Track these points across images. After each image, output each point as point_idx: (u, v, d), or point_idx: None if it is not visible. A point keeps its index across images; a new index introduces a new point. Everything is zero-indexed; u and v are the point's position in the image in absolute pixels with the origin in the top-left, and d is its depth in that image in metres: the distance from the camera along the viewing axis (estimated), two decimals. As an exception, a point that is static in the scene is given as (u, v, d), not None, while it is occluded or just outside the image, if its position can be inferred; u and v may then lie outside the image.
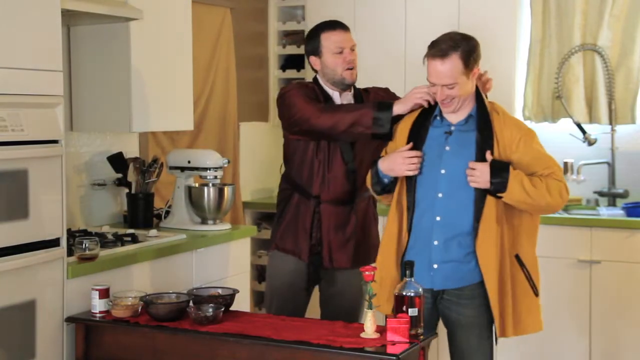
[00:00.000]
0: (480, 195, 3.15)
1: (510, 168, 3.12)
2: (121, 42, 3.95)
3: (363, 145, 3.58)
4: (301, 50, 5.56)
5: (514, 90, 5.00)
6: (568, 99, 4.92)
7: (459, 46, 3.12)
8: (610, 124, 4.86)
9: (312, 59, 3.64)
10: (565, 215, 4.72)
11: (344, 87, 3.62)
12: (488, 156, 3.13)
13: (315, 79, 3.68)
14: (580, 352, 4.55)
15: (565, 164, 4.88)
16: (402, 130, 3.33)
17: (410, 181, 3.21)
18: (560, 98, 4.88)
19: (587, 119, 4.92)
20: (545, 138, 5.07)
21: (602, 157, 4.95)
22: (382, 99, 3.61)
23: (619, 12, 4.78)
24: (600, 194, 4.95)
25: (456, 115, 3.23)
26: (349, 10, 5.35)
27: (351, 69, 3.59)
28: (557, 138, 5.10)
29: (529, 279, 3.20)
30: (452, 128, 3.23)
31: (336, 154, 3.57)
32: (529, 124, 5.09)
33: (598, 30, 4.83)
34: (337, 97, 3.63)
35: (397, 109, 3.34)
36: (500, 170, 3.11)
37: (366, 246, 3.67)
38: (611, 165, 4.93)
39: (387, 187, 3.30)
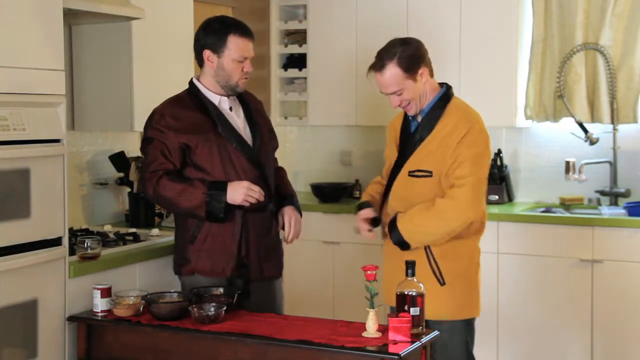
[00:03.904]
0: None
1: (398, 220, 3.30)
2: (123, 42, 3.96)
3: (265, 150, 3.50)
4: (303, 49, 5.56)
5: (515, 90, 4.99)
6: (570, 98, 4.92)
7: (395, 53, 3.26)
8: (612, 123, 4.85)
9: (208, 54, 3.39)
10: (567, 215, 4.72)
11: (232, 93, 3.45)
12: (368, 214, 3.42)
13: (192, 84, 3.46)
14: (582, 351, 4.55)
15: (567, 163, 4.87)
16: (394, 130, 3.50)
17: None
18: (562, 97, 4.87)
19: (589, 118, 4.91)
20: (547, 137, 5.15)
21: (604, 156, 4.95)
22: (259, 107, 3.60)
23: (621, 11, 4.77)
24: (602, 193, 4.95)
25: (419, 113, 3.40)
26: (351, 9, 5.35)
27: (246, 78, 3.43)
28: (559, 137, 5.10)
29: (434, 268, 3.31)
30: (415, 127, 3.39)
31: (243, 161, 3.38)
32: (531, 123, 5.10)
33: (600, 29, 4.82)
34: (224, 102, 3.43)
35: (231, 199, 3.28)
36: (392, 225, 3.33)
37: (282, 252, 3.61)
38: (613, 165, 4.92)
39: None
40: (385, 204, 3.45)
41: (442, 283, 3.31)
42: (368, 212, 3.45)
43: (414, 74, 3.27)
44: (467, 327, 3.40)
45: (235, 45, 3.38)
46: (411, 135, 3.37)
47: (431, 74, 3.35)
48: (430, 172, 3.29)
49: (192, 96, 3.45)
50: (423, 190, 3.31)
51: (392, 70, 3.26)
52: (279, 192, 3.59)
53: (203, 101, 3.42)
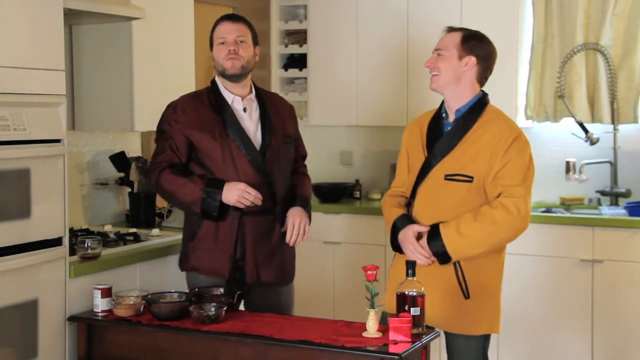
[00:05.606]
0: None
1: (442, 229, 3.13)
2: (123, 42, 3.96)
3: (273, 154, 3.44)
4: (304, 49, 5.56)
5: (516, 90, 4.99)
6: (570, 98, 4.92)
7: (466, 30, 3.29)
8: (613, 123, 4.85)
9: (211, 53, 3.50)
10: (568, 215, 4.72)
11: (231, 79, 3.41)
12: (419, 228, 3.19)
13: (214, 81, 3.51)
14: (582, 351, 4.55)
15: (567, 163, 4.87)
16: (420, 132, 3.35)
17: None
18: (563, 97, 4.87)
19: (589, 118, 4.91)
20: (547, 137, 5.15)
21: (604, 156, 4.95)
22: (283, 112, 3.55)
23: (622, 11, 4.77)
24: (603, 193, 4.95)
25: (452, 112, 3.29)
26: (351, 9, 5.35)
27: (232, 58, 3.39)
28: (559, 137, 5.10)
29: (460, 280, 3.18)
30: (448, 128, 3.29)
31: (245, 163, 3.35)
32: (531, 123, 5.09)
33: (600, 29, 4.82)
34: (237, 102, 3.43)
35: (225, 199, 3.27)
36: (433, 235, 3.15)
37: (289, 258, 3.56)
38: (613, 165, 4.92)
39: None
40: (410, 209, 3.30)
41: (467, 296, 3.19)
42: (419, 227, 3.20)
43: (463, 54, 3.23)
44: (485, 336, 3.31)
45: (216, 32, 3.45)
46: (444, 135, 3.24)
47: (479, 79, 3.28)
48: (472, 177, 3.16)
49: (209, 94, 3.48)
50: (458, 195, 3.17)
51: (454, 36, 3.27)
52: (292, 194, 3.53)
53: (219, 100, 3.44)
